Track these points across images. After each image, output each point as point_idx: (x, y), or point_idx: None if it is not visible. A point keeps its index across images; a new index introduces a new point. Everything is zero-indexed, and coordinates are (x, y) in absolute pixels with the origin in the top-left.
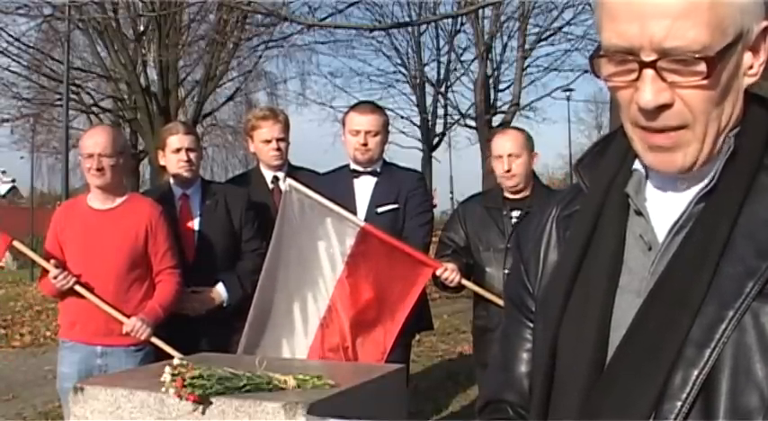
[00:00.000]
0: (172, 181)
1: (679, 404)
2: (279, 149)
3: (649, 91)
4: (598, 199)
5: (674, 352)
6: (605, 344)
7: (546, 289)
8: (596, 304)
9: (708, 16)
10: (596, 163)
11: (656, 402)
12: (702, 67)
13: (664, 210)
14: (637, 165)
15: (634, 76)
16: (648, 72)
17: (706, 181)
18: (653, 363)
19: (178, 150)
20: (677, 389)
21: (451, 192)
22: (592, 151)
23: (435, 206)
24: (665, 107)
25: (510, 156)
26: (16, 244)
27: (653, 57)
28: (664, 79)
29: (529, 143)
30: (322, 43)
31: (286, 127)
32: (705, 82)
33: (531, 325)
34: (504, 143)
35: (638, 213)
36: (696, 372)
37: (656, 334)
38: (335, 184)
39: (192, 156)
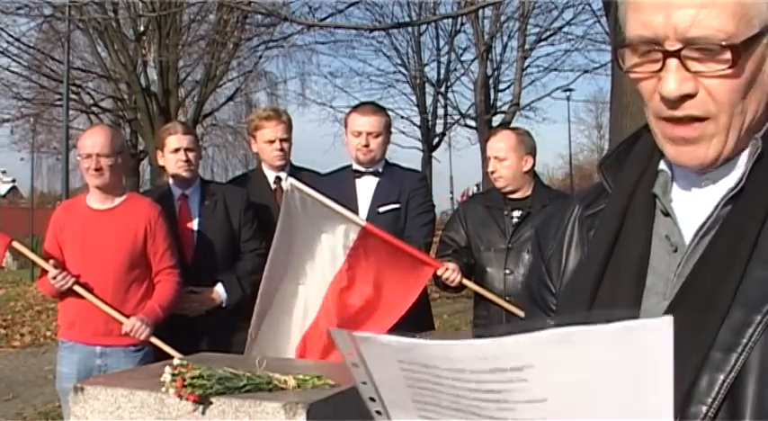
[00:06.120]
0: (171, 181)
1: (705, 408)
2: (282, 150)
3: (673, 80)
4: (623, 199)
5: (701, 355)
6: None
7: (569, 288)
8: (622, 305)
9: (733, 5)
10: (621, 163)
11: (682, 405)
12: (727, 55)
13: (690, 211)
14: (663, 165)
15: (658, 66)
16: (672, 61)
17: (733, 183)
18: (679, 367)
19: (176, 150)
20: (703, 392)
21: (451, 192)
22: (616, 151)
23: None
24: (689, 97)
25: (495, 158)
26: (15, 244)
27: (677, 46)
28: (688, 69)
29: (521, 146)
30: (322, 43)
31: (289, 127)
32: (730, 71)
33: (553, 324)
34: (492, 145)
35: (665, 214)
36: (723, 377)
37: (683, 337)
38: (338, 185)
39: (191, 156)
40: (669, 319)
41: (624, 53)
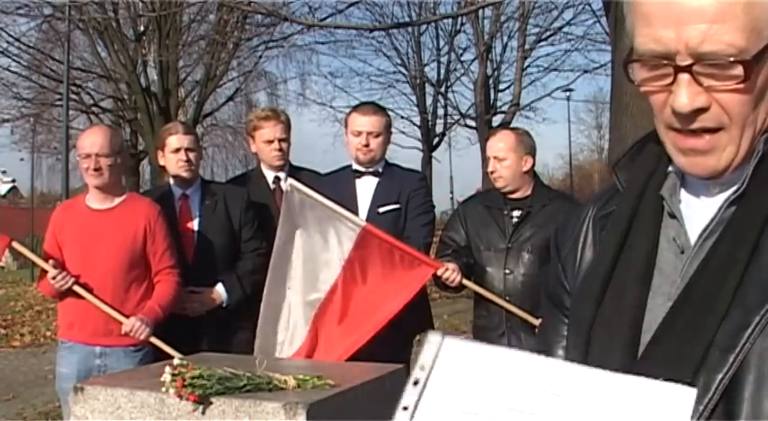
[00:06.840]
0: (171, 181)
1: (701, 408)
2: (281, 150)
3: (685, 95)
4: (633, 200)
5: (699, 356)
6: (636, 346)
7: (580, 287)
8: (628, 305)
9: (743, 20)
10: (632, 164)
11: None
12: (739, 70)
13: (697, 213)
14: (672, 167)
15: (669, 80)
16: (684, 76)
17: (737, 185)
18: (677, 367)
19: (177, 150)
20: (700, 393)
21: (451, 192)
22: (629, 152)
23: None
24: (701, 111)
25: (495, 158)
26: (15, 244)
27: (688, 61)
28: (699, 83)
29: (521, 146)
30: (322, 43)
31: (288, 127)
32: (742, 86)
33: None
34: (492, 145)
35: (672, 216)
36: (719, 377)
37: (682, 338)
38: (337, 185)
39: (192, 155)
40: (693, 392)
41: (634, 67)
